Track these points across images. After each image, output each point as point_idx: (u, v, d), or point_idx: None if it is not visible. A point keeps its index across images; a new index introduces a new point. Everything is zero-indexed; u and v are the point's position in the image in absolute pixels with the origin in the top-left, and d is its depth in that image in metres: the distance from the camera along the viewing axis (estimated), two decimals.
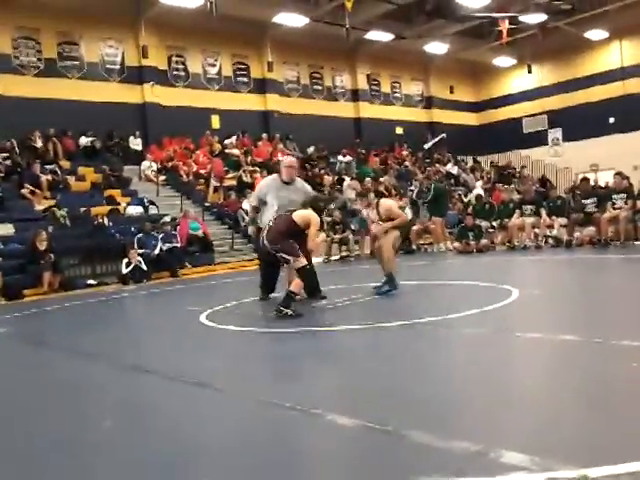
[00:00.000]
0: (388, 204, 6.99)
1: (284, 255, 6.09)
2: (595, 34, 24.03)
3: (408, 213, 6.79)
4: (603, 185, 17.26)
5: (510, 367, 3.64)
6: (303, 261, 6.08)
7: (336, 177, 20.24)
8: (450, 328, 4.82)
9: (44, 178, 14.80)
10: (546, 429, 2.54)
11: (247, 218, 8.26)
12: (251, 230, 7.66)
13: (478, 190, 19.09)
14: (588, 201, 11.80)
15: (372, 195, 7.21)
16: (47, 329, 7.54)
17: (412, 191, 17.57)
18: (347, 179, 19.40)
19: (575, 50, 25.49)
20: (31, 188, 14.39)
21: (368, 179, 19.12)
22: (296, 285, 6.04)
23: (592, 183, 17.85)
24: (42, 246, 11.73)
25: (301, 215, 6.28)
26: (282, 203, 6.91)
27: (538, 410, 2.83)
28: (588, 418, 2.65)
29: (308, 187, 7.59)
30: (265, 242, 6.23)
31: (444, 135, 25.72)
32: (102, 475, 2.53)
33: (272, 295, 7.24)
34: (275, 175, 7.62)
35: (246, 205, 15.87)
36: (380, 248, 6.93)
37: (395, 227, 6.83)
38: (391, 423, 2.66)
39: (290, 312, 5.78)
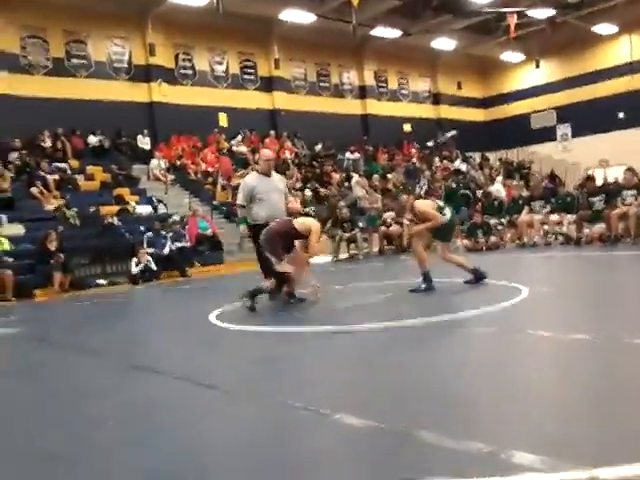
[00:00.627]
0: (423, 205, 6.99)
1: (270, 256, 6.43)
2: (604, 28, 23.86)
3: (447, 213, 6.72)
4: (612, 181, 17.12)
5: (521, 366, 3.63)
6: (286, 267, 6.41)
7: (344, 174, 20.24)
8: (461, 327, 4.81)
9: (53, 178, 14.87)
10: (557, 429, 2.53)
11: (238, 218, 8.60)
12: (243, 229, 7.85)
13: (498, 186, 18.58)
14: (595, 198, 11.74)
15: (404, 197, 7.32)
16: (57, 329, 7.58)
17: (421, 188, 17.56)
18: (355, 176, 19.39)
19: (584, 45, 25.34)
20: (41, 188, 14.47)
21: (376, 176, 19.12)
22: (270, 284, 6.56)
23: (601, 179, 17.81)
24: (52, 246, 11.79)
25: (302, 222, 6.56)
26: (272, 195, 7.26)
27: (549, 410, 2.82)
28: (600, 418, 2.64)
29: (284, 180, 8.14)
30: (261, 237, 6.53)
31: (455, 132, 25.61)
32: (107, 476, 2.54)
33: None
34: (254, 173, 7.99)
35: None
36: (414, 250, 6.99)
37: (430, 229, 6.87)
38: (401, 423, 2.66)
39: (249, 304, 6.35)
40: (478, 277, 6.80)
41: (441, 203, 6.89)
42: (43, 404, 3.79)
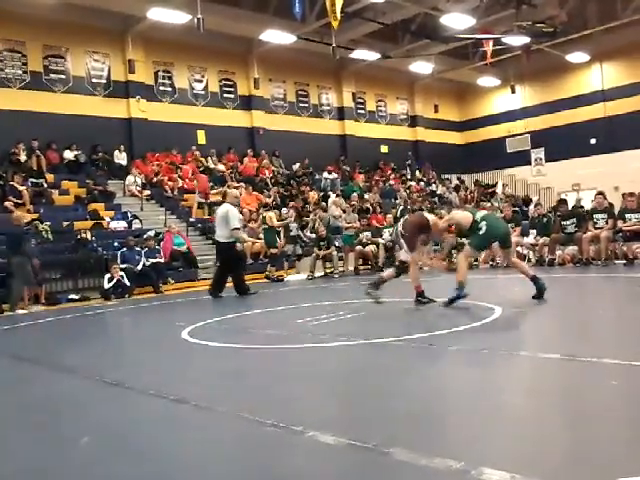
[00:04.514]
0: (456, 217, 7.16)
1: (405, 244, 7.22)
2: (577, 57, 24.48)
3: (483, 227, 6.78)
4: (581, 205, 17.45)
5: (492, 384, 3.65)
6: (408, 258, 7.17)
7: (321, 194, 20.32)
8: (434, 345, 4.83)
9: (27, 191, 14.69)
10: (527, 447, 2.55)
11: (243, 237, 11.26)
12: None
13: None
14: (567, 222, 11.93)
15: (443, 211, 7.64)
16: (27, 344, 7.44)
17: (396, 208, 17.71)
18: (332, 195, 19.48)
19: (557, 72, 25.93)
20: (15, 201, 14.28)
21: (355, 195, 19.26)
22: (390, 274, 7.50)
23: (575, 203, 18.12)
24: None
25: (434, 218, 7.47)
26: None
27: (519, 428, 2.84)
28: (569, 436, 2.66)
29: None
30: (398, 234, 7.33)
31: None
32: None
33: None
34: (230, 204, 10.60)
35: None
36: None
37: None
38: (373, 440, 2.65)
39: (374, 294, 7.25)
40: (458, 291, 6.72)
41: (478, 217, 6.94)
42: (15, 420, 3.71)
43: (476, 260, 13.42)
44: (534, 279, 6.96)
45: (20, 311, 10.82)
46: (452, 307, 6.77)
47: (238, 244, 10.55)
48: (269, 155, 21.76)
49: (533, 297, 6.87)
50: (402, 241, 7.21)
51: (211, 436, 3.03)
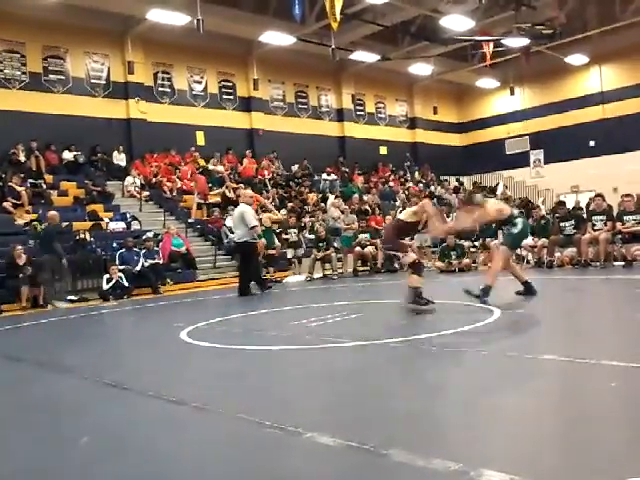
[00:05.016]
0: (505, 210, 7.15)
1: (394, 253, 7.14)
2: (576, 59, 24.50)
3: (519, 223, 6.85)
4: (580, 206, 17.48)
5: (491, 386, 3.65)
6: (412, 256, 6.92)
7: (320, 195, 20.32)
8: (433, 347, 4.83)
9: (25, 192, 14.68)
10: (526, 448, 2.55)
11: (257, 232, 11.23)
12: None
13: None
14: (566, 224, 11.95)
15: (478, 196, 7.49)
16: (25, 345, 7.43)
17: (395, 210, 17.71)
18: (331, 197, 19.48)
19: (557, 74, 25.95)
20: (13, 201, 14.27)
21: (356, 196, 19.27)
22: (413, 280, 6.70)
23: (574, 204, 18.15)
24: (21, 260, 11.61)
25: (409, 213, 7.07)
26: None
27: (518, 429, 2.84)
28: (568, 437, 2.66)
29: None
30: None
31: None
32: None
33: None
34: (245, 205, 10.99)
35: (229, 222, 16.12)
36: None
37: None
38: (372, 441, 2.65)
39: (424, 307, 6.52)
40: (482, 292, 6.72)
41: (516, 213, 6.95)
42: (14, 420, 3.70)
43: (474, 262, 13.45)
44: (526, 284, 7.10)
45: (60, 304, 11.50)
46: (451, 309, 6.77)
47: (260, 241, 11.03)
48: (274, 159, 21.80)
49: (517, 293, 7.06)
50: (390, 253, 7.24)
51: (210, 437, 3.02)
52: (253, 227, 10.71)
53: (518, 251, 12.49)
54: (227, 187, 18.25)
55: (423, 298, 6.67)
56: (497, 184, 26.02)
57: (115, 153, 18.49)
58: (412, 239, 7.45)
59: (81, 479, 2.62)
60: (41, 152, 16.81)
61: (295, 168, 22.25)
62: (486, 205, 7.14)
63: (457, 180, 27.06)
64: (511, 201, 19.22)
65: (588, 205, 15.82)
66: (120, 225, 15.29)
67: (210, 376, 4.54)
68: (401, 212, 7.48)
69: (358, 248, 14.71)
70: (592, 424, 2.78)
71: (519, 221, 6.86)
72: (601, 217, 11.60)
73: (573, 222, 11.89)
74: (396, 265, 14.18)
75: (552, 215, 13.79)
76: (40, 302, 11.64)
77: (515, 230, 6.85)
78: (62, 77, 18.20)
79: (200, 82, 21.37)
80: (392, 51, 22.75)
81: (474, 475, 2.23)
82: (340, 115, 25.50)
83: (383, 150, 26.69)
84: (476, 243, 13.67)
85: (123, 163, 18.53)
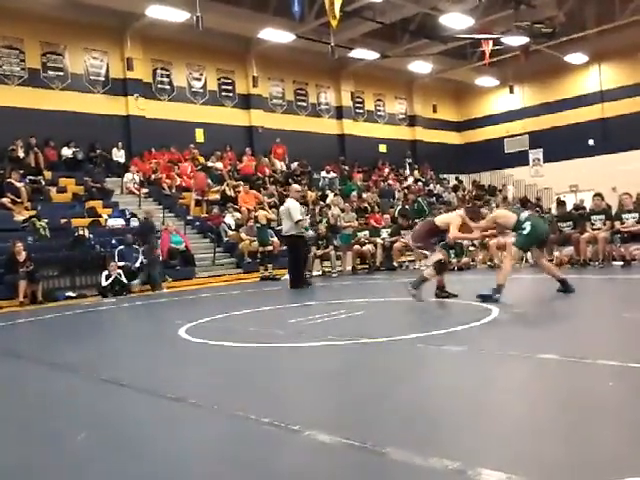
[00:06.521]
0: (499, 219, 7.49)
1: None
2: (575, 58, 24.50)
3: (527, 227, 7.03)
4: (578, 206, 17.49)
5: (489, 385, 3.66)
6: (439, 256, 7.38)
7: (320, 193, 20.31)
8: (431, 345, 4.83)
9: (24, 188, 14.66)
10: (524, 448, 2.55)
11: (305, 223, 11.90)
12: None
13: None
14: (564, 224, 12.00)
15: (484, 211, 7.88)
16: (23, 341, 7.43)
17: (393, 208, 17.70)
18: (330, 195, 19.46)
19: (556, 73, 25.94)
20: (12, 197, 14.26)
21: (354, 194, 19.25)
22: (429, 273, 7.24)
23: (578, 203, 18.17)
24: (21, 257, 11.60)
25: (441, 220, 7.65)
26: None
27: (516, 428, 2.84)
28: (566, 436, 2.67)
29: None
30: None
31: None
32: None
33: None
34: (293, 200, 11.29)
35: (229, 219, 16.04)
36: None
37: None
38: (370, 440, 2.65)
39: (415, 294, 7.07)
40: (494, 292, 6.89)
41: (522, 217, 7.11)
42: (12, 418, 3.71)
43: (473, 260, 13.46)
44: (563, 282, 7.31)
45: (164, 290, 12.57)
46: (450, 307, 6.78)
47: (307, 232, 11.37)
48: (267, 154, 21.76)
49: (558, 290, 7.25)
50: (420, 251, 7.47)
51: (207, 434, 3.03)
52: (298, 221, 10.99)
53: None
54: (227, 185, 18.25)
55: (420, 288, 7.22)
56: (504, 185, 25.94)
57: (114, 150, 18.47)
58: (441, 240, 7.81)
59: (79, 476, 2.62)
60: (40, 148, 16.78)
61: (294, 166, 22.24)
62: (492, 218, 7.58)
63: (456, 178, 27.05)
64: (510, 204, 19.20)
65: None
66: (119, 222, 15.27)
67: (208, 373, 4.54)
68: (437, 217, 7.94)
69: (357, 246, 14.71)
70: (590, 423, 2.79)
71: (527, 224, 7.00)
72: (600, 216, 11.61)
73: (571, 223, 11.96)
74: (394, 263, 14.19)
75: (551, 214, 13.81)
76: (39, 298, 11.65)
77: (524, 232, 7.01)
78: (61, 73, 18.17)
79: (199, 79, 21.34)
80: (391, 49, 22.73)
81: (472, 474, 2.23)
82: (339, 113, 25.48)
83: (382, 148, 26.67)
84: (475, 242, 13.65)
85: (122, 160, 18.51)
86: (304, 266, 11.71)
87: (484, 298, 6.83)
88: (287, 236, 11.30)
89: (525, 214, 7.23)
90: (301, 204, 12.02)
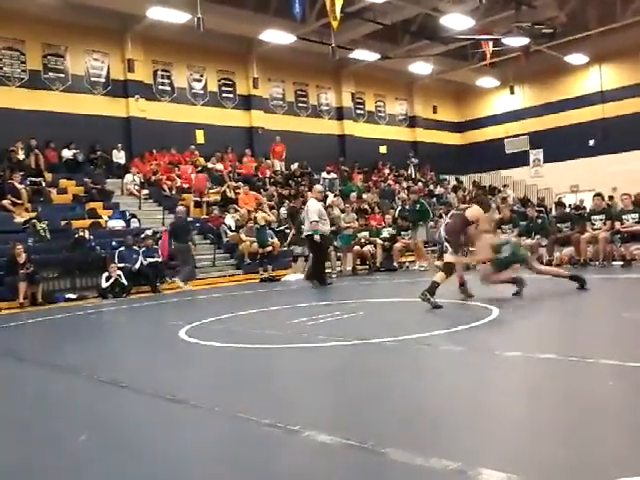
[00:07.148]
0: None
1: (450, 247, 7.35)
2: (576, 58, 24.50)
3: (507, 250, 7.40)
4: (576, 206, 17.53)
5: (489, 385, 3.65)
6: (452, 258, 7.29)
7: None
8: (431, 346, 4.83)
9: (25, 190, 14.67)
10: (524, 448, 2.55)
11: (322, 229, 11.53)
12: (317, 238, 11.16)
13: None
14: (563, 225, 12.06)
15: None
16: (23, 343, 7.43)
17: (394, 209, 17.68)
18: (331, 196, 19.44)
19: (557, 73, 25.95)
20: (13, 199, 14.27)
21: (354, 194, 19.23)
22: (439, 277, 7.02)
23: (577, 203, 18.18)
24: (21, 258, 11.61)
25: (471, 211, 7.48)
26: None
27: (516, 428, 2.84)
28: (566, 436, 2.66)
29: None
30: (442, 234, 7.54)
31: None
32: None
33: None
34: (314, 200, 11.53)
35: (230, 221, 15.97)
36: None
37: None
38: (370, 440, 2.65)
39: (431, 301, 6.70)
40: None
41: (503, 240, 7.63)
42: (11, 418, 3.70)
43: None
44: (573, 277, 7.57)
45: (187, 287, 12.77)
46: (450, 307, 6.77)
47: (316, 236, 11.19)
48: (269, 156, 21.77)
49: (578, 288, 7.45)
50: (446, 244, 7.41)
51: (208, 436, 3.02)
52: (312, 222, 11.16)
53: None
54: (228, 186, 18.25)
55: (434, 295, 6.92)
56: (504, 186, 25.92)
57: (115, 151, 18.49)
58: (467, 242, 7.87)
59: (78, 476, 2.62)
60: (40, 150, 16.79)
61: (295, 166, 22.24)
62: (491, 218, 7.96)
63: (456, 179, 27.05)
64: (509, 205, 19.13)
65: None
66: (119, 223, 15.28)
67: (208, 374, 4.54)
68: (466, 211, 7.75)
69: (357, 247, 14.70)
70: (590, 423, 2.78)
71: (505, 248, 7.37)
72: (600, 216, 11.61)
73: (570, 224, 12.01)
74: (395, 264, 14.18)
75: (550, 215, 13.84)
76: (39, 300, 11.65)
77: (502, 256, 7.35)
78: (62, 75, 18.19)
79: (200, 80, 21.36)
80: (392, 50, 22.74)
81: (472, 474, 2.23)
82: (340, 114, 25.49)
83: (383, 149, 26.67)
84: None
85: (122, 161, 18.52)
86: (323, 264, 11.80)
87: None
88: (308, 236, 11.45)
89: (505, 238, 7.59)
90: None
